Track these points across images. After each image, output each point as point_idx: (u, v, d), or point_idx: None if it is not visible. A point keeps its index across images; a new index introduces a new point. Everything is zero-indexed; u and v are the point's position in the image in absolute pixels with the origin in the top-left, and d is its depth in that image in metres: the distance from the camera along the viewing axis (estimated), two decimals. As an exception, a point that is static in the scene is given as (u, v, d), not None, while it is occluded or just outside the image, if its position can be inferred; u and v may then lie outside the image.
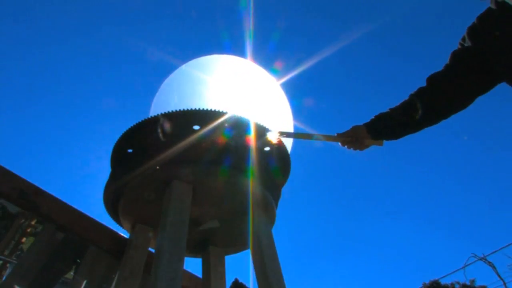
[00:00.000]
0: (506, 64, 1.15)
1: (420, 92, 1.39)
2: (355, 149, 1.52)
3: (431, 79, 1.37)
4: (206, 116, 1.42)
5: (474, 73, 1.26)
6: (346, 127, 1.55)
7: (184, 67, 1.79)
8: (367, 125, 1.48)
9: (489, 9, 1.20)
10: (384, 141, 1.51)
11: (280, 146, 1.57)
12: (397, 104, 1.44)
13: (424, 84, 1.40)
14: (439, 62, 1.36)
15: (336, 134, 1.53)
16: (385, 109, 1.48)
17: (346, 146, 1.53)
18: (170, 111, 1.43)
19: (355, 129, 1.51)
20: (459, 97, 1.32)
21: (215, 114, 1.42)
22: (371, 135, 1.47)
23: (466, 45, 1.25)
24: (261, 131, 1.48)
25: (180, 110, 1.41)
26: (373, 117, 1.49)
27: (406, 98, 1.43)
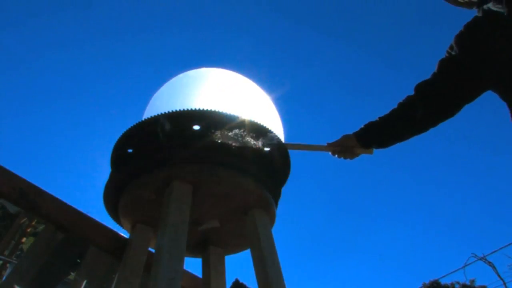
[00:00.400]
0: (493, 71, 1.16)
1: (408, 100, 1.40)
2: (345, 158, 1.56)
3: (419, 87, 1.38)
4: (206, 116, 1.42)
5: (462, 81, 1.27)
6: (335, 138, 1.56)
7: (174, 79, 1.78)
8: (356, 134, 1.50)
9: (476, 17, 1.20)
10: (374, 150, 1.54)
11: (280, 146, 1.57)
12: (386, 113, 1.45)
13: (412, 92, 1.40)
14: (429, 71, 1.37)
15: (326, 144, 1.55)
16: (374, 118, 1.49)
17: (336, 155, 1.56)
18: (170, 110, 1.43)
19: (345, 138, 1.53)
20: (447, 105, 1.34)
21: (216, 114, 1.42)
22: (361, 144, 1.49)
23: (453, 53, 1.26)
24: (261, 131, 1.48)
25: (180, 110, 1.41)
26: (362, 126, 1.50)
27: (395, 106, 1.43)
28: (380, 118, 1.45)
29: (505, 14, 1.08)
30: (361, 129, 1.50)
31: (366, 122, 1.51)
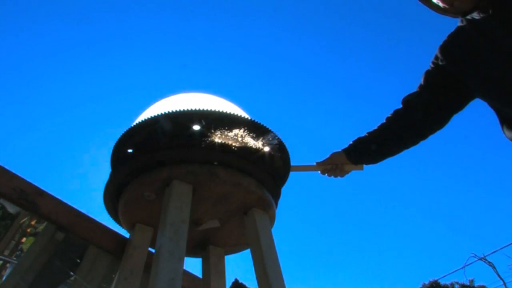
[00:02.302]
0: (479, 81, 1.15)
1: (396, 114, 1.38)
2: (335, 176, 1.49)
3: (407, 100, 1.36)
4: (206, 116, 1.42)
5: (449, 92, 1.25)
6: (321, 157, 1.51)
7: (157, 104, 1.75)
8: (346, 150, 1.46)
9: (460, 26, 1.19)
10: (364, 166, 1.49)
11: (281, 146, 1.57)
12: (375, 128, 1.43)
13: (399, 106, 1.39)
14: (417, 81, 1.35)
15: (315, 163, 1.51)
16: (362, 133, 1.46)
17: (326, 174, 1.50)
18: (171, 110, 1.43)
19: (334, 156, 1.48)
20: (436, 117, 1.32)
21: (216, 114, 1.42)
22: (352, 161, 1.45)
23: (440, 63, 1.25)
24: (261, 131, 1.48)
25: (180, 110, 1.42)
26: (351, 142, 1.47)
27: (383, 121, 1.41)
28: (369, 133, 1.42)
29: (492, 23, 1.07)
30: (351, 145, 1.46)
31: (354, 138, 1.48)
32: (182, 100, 1.74)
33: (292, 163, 1.62)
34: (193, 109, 1.41)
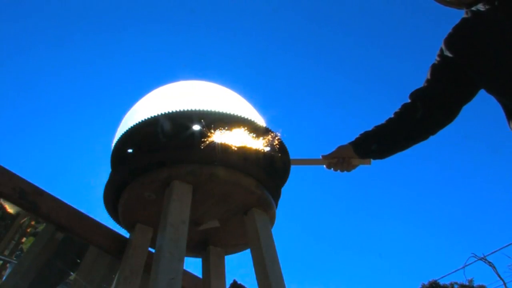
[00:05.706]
0: (485, 73, 1.14)
1: (405, 108, 1.36)
2: (342, 170, 1.44)
3: (414, 95, 1.34)
4: (206, 116, 1.42)
5: (456, 84, 1.24)
6: (326, 150, 1.45)
7: (152, 93, 1.74)
8: (353, 143, 1.41)
9: (465, 18, 1.18)
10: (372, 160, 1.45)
11: (280, 146, 1.57)
12: (382, 122, 1.40)
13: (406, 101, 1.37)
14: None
15: (320, 157, 1.48)
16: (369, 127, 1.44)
17: (332, 168, 1.44)
18: (171, 111, 1.43)
19: (340, 149, 1.42)
20: (444, 110, 1.30)
21: (216, 114, 1.42)
22: (359, 154, 1.40)
23: (444, 56, 1.23)
24: (261, 131, 1.48)
25: (181, 110, 1.42)
26: (358, 135, 1.44)
27: (391, 115, 1.39)
28: (376, 127, 1.39)
29: (497, 15, 1.06)
30: (358, 138, 1.42)
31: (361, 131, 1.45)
32: (180, 91, 1.73)
33: (296, 157, 1.58)
34: (194, 109, 1.41)
